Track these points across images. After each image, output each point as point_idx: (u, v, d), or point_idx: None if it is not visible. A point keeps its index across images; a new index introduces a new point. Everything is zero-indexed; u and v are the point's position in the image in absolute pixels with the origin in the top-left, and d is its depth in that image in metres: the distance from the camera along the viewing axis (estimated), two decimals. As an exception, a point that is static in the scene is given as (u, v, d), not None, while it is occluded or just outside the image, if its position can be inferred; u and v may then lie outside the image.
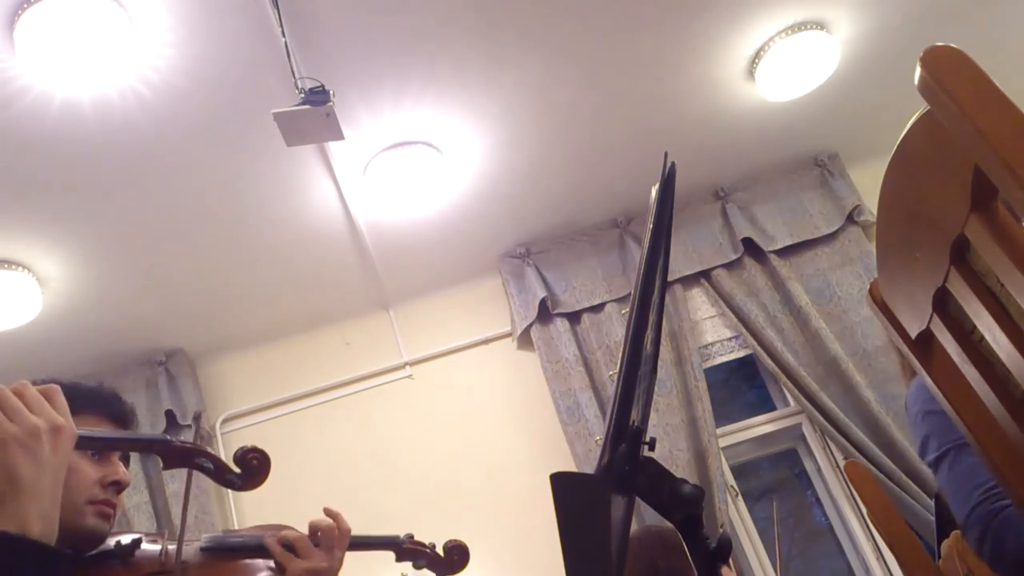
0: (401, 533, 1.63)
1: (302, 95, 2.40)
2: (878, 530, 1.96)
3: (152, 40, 2.41)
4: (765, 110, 3.44)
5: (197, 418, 3.53)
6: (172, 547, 1.31)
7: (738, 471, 3.59)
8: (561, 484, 0.76)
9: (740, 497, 3.42)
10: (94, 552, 1.27)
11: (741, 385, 4.00)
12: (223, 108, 2.71)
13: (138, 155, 2.77)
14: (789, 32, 3.07)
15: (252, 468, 1.27)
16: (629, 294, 3.62)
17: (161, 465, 1.25)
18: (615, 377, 0.82)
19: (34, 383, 0.89)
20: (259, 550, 1.40)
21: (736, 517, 3.37)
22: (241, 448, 1.28)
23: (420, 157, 3.10)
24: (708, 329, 3.74)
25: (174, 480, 3.43)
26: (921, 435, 1.49)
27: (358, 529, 1.50)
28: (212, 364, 3.83)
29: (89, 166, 2.75)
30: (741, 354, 3.71)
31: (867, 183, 3.84)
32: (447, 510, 3.38)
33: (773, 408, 3.69)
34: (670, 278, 3.63)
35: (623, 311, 3.61)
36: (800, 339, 3.56)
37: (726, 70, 3.20)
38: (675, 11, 2.88)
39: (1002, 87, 0.69)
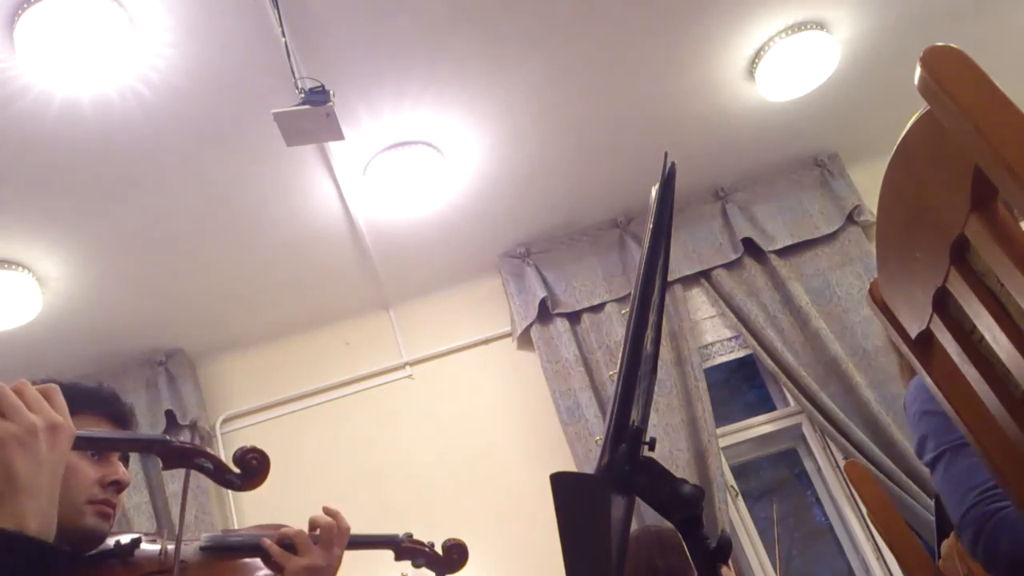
0: (400, 532, 1.63)
1: (302, 95, 2.40)
2: (878, 530, 1.96)
3: (152, 40, 2.41)
4: (765, 110, 3.43)
5: (192, 426, 3.53)
6: (171, 547, 1.31)
7: (738, 471, 3.59)
8: (561, 484, 0.76)
9: (740, 497, 3.42)
10: (94, 552, 1.28)
11: (741, 385, 4.00)
12: (223, 108, 2.71)
13: (138, 155, 2.77)
14: (789, 32, 3.07)
15: (251, 468, 1.28)
16: (629, 294, 3.62)
17: (161, 465, 1.25)
18: (615, 377, 0.82)
19: (33, 383, 0.89)
20: (258, 549, 1.40)
21: (736, 517, 3.37)
22: (240, 448, 1.28)
23: (420, 157, 3.10)
24: (708, 329, 3.74)
25: (174, 480, 3.43)
26: (918, 435, 1.49)
27: (358, 529, 1.50)
28: (212, 364, 3.83)
29: (89, 166, 2.75)
30: (741, 354, 3.71)
31: (867, 183, 3.84)
32: (447, 510, 3.38)
33: (773, 408, 3.69)
34: (670, 278, 3.63)
35: (623, 311, 3.61)
36: (800, 339, 3.56)
37: (726, 70, 3.20)
38: (675, 11, 2.88)
39: (1002, 87, 0.69)
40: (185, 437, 3.46)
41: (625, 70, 3.07)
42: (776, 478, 3.92)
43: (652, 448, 0.85)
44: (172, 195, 2.99)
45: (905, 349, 1.06)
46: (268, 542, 1.40)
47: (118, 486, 1.30)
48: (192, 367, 3.76)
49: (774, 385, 3.68)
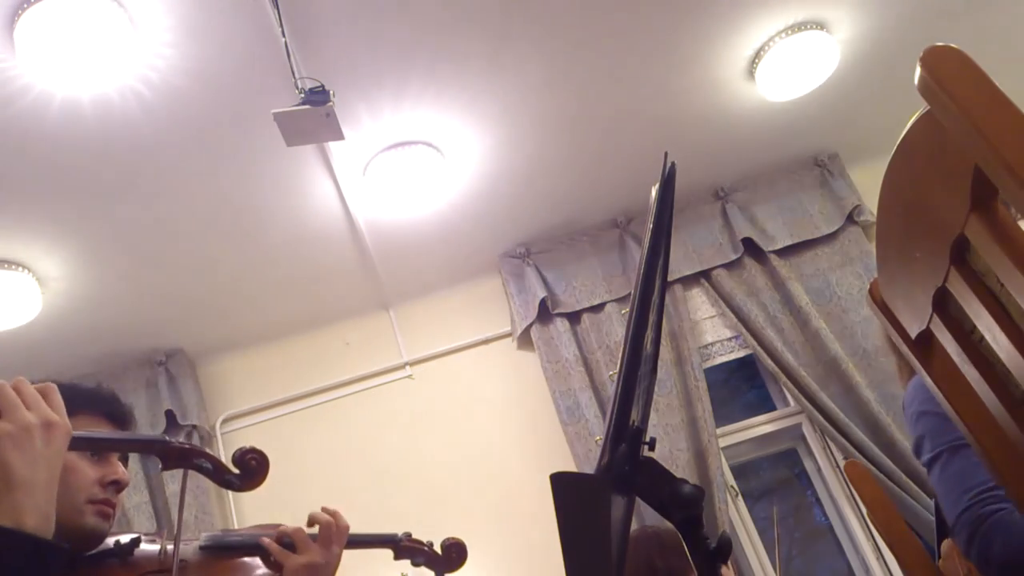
0: (400, 532, 1.63)
1: (302, 95, 2.40)
2: (878, 530, 1.96)
3: (152, 40, 2.41)
4: (765, 110, 3.43)
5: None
6: (171, 546, 1.31)
7: (738, 471, 3.59)
8: (561, 484, 0.76)
9: (740, 497, 3.42)
10: (93, 551, 1.28)
11: (741, 385, 4.00)
12: (223, 108, 2.71)
13: (138, 155, 2.77)
14: (789, 32, 3.07)
15: (250, 469, 1.28)
16: (629, 294, 3.62)
17: (160, 466, 1.25)
18: (615, 377, 0.82)
19: (32, 383, 0.89)
20: (257, 548, 1.40)
21: (736, 517, 3.37)
22: (240, 449, 1.29)
23: (420, 157, 3.10)
24: (708, 329, 3.74)
25: (174, 480, 3.43)
26: (916, 435, 1.49)
27: (358, 528, 1.50)
28: (212, 364, 3.83)
29: (89, 166, 2.75)
30: (741, 354, 3.71)
31: (867, 183, 3.84)
32: (447, 510, 3.38)
33: (773, 408, 3.69)
34: (670, 278, 3.63)
35: (623, 311, 3.61)
36: (800, 339, 3.56)
37: (726, 70, 3.20)
38: (675, 11, 2.88)
39: (1002, 87, 0.69)
40: (185, 437, 3.46)
41: (625, 70, 3.07)
42: (776, 478, 3.92)
43: (652, 448, 0.85)
44: (172, 195, 2.99)
45: (905, 349, 1.06)
46: (267, 540, 1.40)
47: (118, 486, 1.31)
48: (192, 367, 3.76)
49: (774, 385, 3.68)
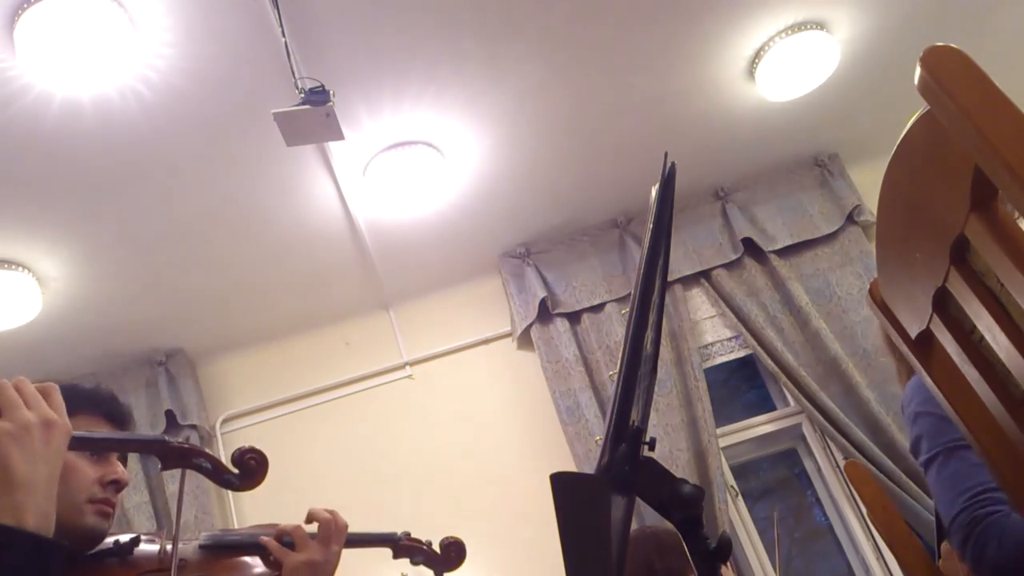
0: (399, 531, 1.63)
1: (302, 95, 2.40)
2: (878, 530, 1.96)
3: (152, 40, 2.41)
4: (765, 110, 3.43)
5: (192, 426, 3.53)
6: (171, 546, 1.31)
7: (738, 471, 3.59)
8: (561, 484, 0.76)
9: (740, 497, 3.42)
10: (93, 550, 1.28)
11: (741, 385, 4.00)
12: (223, 108, 2.71)
13: (138, 155, 2.77)
14: (789, 32, 3.07)
15: (250, 468, 1.28)
16: (629, 294, 3.62)
17: (160, 466, 1.25)
18: (615, 377, 0.82)
19: (32, 383, 0.89)
20: (256, 547, 1.40)
21: (736, 517, 3.37)
22: (239, 448, 1.29)
23: (420, 157, 3.10)
24: (708, 329, 3.74)
25: (174, 480, 3.43)
26: (913, 436, 1.50)
27: (357, 528, 1.50)
28: (212, 364, 3.83)
29: (89, 166, 2.75)
30: (741, 354, 3.71)
31: (867, 183, 3.84)
32: (447, 510, 3.38)
33: (773, 408, 3.69)
34: (670, 278, 3.63)
35: (623, 311, 3.61)
36: (800, 339, 3.56)
37: (726, 70, 3.20)
38: (675, 11, 2.88)
39: (1002, 87, 0.69)
40: (184, 437, 3.46)
41: (625, 70, 3.07)
42: (776, 478, 3.92)
43: (652, 448, 0.85)
44: (172, 195, 2.99)
45: (905, 349, 1.06)
46: (266, 539, 1.40)
47: (117, 485, 1.31)
48: (192, 367, 3.76)
49: (774, 385, 3.68)
